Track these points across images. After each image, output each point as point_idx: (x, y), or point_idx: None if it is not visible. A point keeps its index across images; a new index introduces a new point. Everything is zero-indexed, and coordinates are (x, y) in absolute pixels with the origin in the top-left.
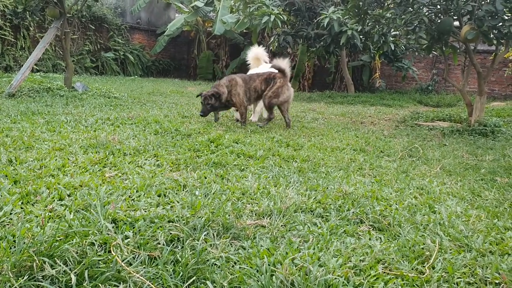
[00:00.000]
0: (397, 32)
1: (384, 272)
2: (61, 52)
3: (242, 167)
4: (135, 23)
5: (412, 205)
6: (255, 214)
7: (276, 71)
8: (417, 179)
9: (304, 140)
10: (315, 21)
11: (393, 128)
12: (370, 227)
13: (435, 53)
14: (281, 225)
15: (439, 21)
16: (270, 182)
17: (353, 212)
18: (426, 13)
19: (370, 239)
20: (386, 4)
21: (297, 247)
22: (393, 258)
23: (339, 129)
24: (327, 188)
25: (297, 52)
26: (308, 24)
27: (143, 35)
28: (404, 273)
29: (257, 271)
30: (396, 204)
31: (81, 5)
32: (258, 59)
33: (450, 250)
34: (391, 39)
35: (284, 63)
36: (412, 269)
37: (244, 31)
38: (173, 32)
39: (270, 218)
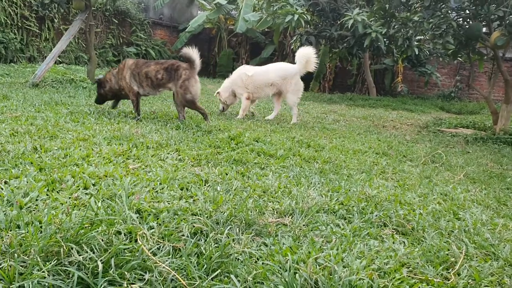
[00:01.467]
0: (422, 37)
1: (409, 276)
2: (84, 45)
3: (263, 166)
4: (158, 18)
5: (436, 210)
6: (277, 212)
7: (182, 62)
8: (440, 185)
9: (325, 141)
10: (339, 22)
11: (415, 133)
12: (393, 230)
13: (460, 59)
14: (303, 225)
15: (467, 26)
16: (291, 182)
17: (376, 215)
18: (455, 18)
19: (393, 242)
20: (413, 7)
21: (320, 247)
22: (417, 263)
23: (361, 132)
24: (350, 190)
25: (319, 53)
26: (331, 25)
27: (165, 31)
28: (429, 278)
29: (280, 268)
30: (420, 209)
31: None
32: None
33: (476, 257)
34: (416, 43)
35: (194, 53)
36: (437, 274)
37: (266, 30)
38: (194, 28)
39: (292, 217)
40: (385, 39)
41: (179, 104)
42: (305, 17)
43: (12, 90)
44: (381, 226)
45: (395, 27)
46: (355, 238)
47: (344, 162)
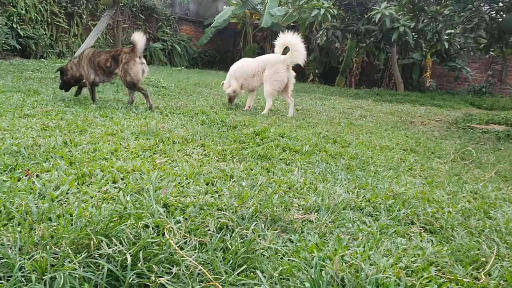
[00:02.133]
0: (453, 30)
1: (437, 275)
2: (111, 40)
3: (288, 161)
4: (184, 14)
5: (466, 209)
6: (303, 209)
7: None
8: (470, 183)
9: (351, 137)
10: (366, 16)
11: (444, 129)
12: (421, 228)
13: (493, 53)
14: (330, 222)
15: (501, 19)
16: (317, 178)
17: (403, 213)
18: (487, 11)
19: (421, 240)
20: (443, 0)
21: (346, 244)
22: (446, 262)
23: (388, 128)
24: (377, 187)
25: (346, 48)
26: (358, 19)
27: (191, 26)
28: (459, 278)
29: (306, 265)
30: (449, 207)
31: None
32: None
33: (508, 258)
34: (446, 37)
35: (139, 36)
36: (467, 274)
37: (292, 24)
38: (220, 24)
39: (318, 214)
40: (413, 33)
41: (127, 86)
42: (332, 11)
43: (42, 85)
44: (409, 224)
45: (424, 21)
46: (382, 235)
47: (371, 158)
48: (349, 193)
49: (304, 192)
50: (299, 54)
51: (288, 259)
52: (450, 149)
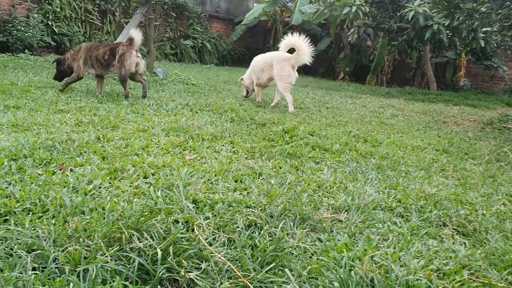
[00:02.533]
0: (489, 28)
1: (470, 279)
2: (143, 38)
3: (317, 160)
4: (214, 11)
5: (501, 212)
6: (332, 208)
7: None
8: (506, 185)
9: (382, 136)
10: (399, 14)
11: (478, 130)
12: (453, 231)
13: None
14: (359, 221)
15: None
16: (347, 177)
17: (435, 214)
18: None
19: (453, 243)
20: None
21: (376, 244)
22: (480, 265)
23: (420, 128)
24: (408, 187)
25: (377, 46)
26: (390, 17)
27: (221, 24)
28: (493, 282)
29: (335, 264)
30: (483, 210)
31: None
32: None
33: None
34: (482, 35)
35: (136, 32)
36: (502, 279)
37: (322, 22)
38: (250, 21)
39: (347, 213)
40: (447, 31)
41: (120, 79)
42: (363, 9)
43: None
44: (441, 225)
45: (460, 18)
46: (412, 237)
47: (402, 158)
48: (379, 193)
49: (334, 191)
50: (304, 55)
51: (317, 258)
52: (484, 150)
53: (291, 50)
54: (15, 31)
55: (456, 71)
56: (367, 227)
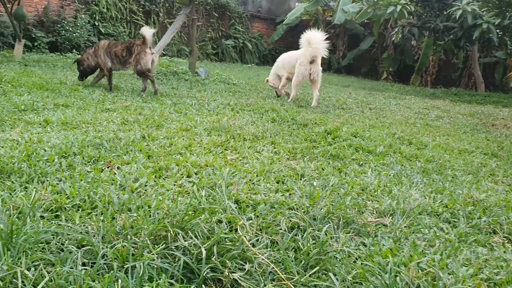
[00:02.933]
0: None
1: None
2: (185, 38)
3: (361, 162)
4: (256, 11)
5: None
6: (376, 212)
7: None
8: None
9: (428, 139)
10: (445, 12)
11: None
12: (504, 238)
13: None
14: (405, 226)
15: None
16: (391, 180)
17: (484, 221)
18: None
19: (505, 252)
20: None
21: (422, 250)
22: None
23: (467, 130)
24: (454, 192)
25: (422, 45)
26: (437, 16)
27: (263, 24)
28: None
29: (380, 270)
30: None
31: None
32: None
33: None
34: None
35: (147, 30)
36: None
37: (365, 21)
38: (292, 21)
39: (392, 218)
40: (498, 30)
41: (138, 74)
42: (409, 8)
43: (121, 81)
44: (490, 233)
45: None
46: (460, 244)
47: (448, 162)
48: (425, 198)
49: (378, 194)
50: (316, 47)
51: (361, 263)
52: None
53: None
54: (63, 31)
55: (506, 71)
56: (413, 232)
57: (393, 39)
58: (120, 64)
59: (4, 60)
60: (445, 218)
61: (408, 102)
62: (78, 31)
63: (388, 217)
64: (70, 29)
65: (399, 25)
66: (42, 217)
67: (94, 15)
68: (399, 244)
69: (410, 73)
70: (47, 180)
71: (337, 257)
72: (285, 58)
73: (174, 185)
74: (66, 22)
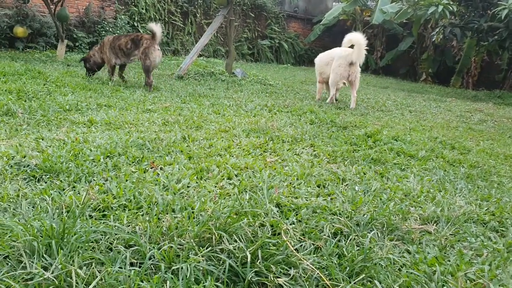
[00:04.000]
0: None
1: None
2: (222, 39)
3: (403, 167)
4: (293, 11)
5: None
6: (420, 219)
7: (150, 34)
8: None
9: (471, 143)
10: (490, 12)
11: None
12: None
13: None
14: (450, 234)
15: None
16: (434, 186)
17: None
18: None
19: None
20: None
21: (469, 260)
22: None
23: None
24: (501, 199)
25: (463, 46)
26: (480, 16)
27: (299, 24)
28: None
29: (427, 278)
30: None
31: None
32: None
33: None
34: None
35: (156, 27)
36: None
37: (404, 21)
38: (329, 21)
39: (437, 225)
40: None
41: (144, 69)
42: (451, 8)
43: (161, 82)
44: None
45: None
46: (510, 254)
47: (493, 168)
48: (470, 205)
49: (421, 200)
50: (360, 51)
51: (407, 271)
52: None
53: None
54: (103, 32)
55: None
56: (459, 241)
57: (433, 39)
58: (124, 57)
59: (48, 60)
60: (492, 227)
61: (449, 105)
62: (118, 31)
63: (433, 224)
64: (110, 29)
65: (440, 26)
66: (90, 216)
67: (133, 16)
68: (444, 253)
69: (451, 75)
70: (94, 180)
71: (381, 265)
72: (320, 57)
73: (215, 186)
74: (106, 23)
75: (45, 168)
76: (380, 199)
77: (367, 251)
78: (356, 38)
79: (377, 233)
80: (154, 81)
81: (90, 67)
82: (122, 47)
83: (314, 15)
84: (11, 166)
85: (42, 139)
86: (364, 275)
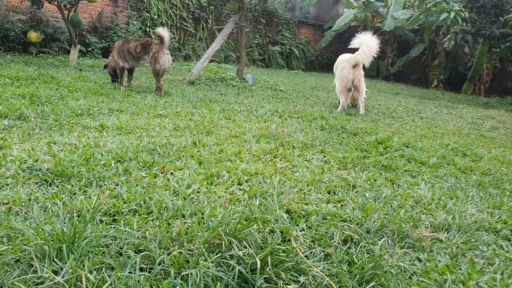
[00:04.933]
0: None
1: None
2: (233, 44)
3: (414, 174)
4: (304, 17)
5: None
6: (431, 226)
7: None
8: None
9: (483, 150)
10: (502, 19)
11: None
12: None
13: None
14: (461, 242)
15: None
16: (445, 194)
17: None
18: None
19: None
20: None
21: (481, 269)
22: None
23: None
24: None
25: (475, 53)
26: (492, 22)
27: (310, 30)
28: None
29: (437, 287)
30: None
31: (258, 0)
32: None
33: None
34: None
35: (164, 32)
36: None
37: (416, 27)
38: (340, 27)
39: (448, 233)
40: None
41: (154, 73)
42: (462, 14)
43: (172, 87)
44: None
45: None
46: None
47: (505, 175)
48: (482, 213)
49: (432, 208)
50: (363, 52)
51: (417, 279)
52: None
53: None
54: (116, 37)
55: None
56: (470, 249)
57: (444, 46)
58: (133, 61)
59: (60, 65)
60: (504, 235)
61: (460, 112)
62: (130, 37)
63: (444, 232)
64: (122, 35)
65: (451, 32)
66: (101, 221)
67: (146, 22)
68: (456, 261)
69: (462, 81)
70: (105, 184)
71: (392, 272)
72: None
73: (226, 192)
74: (118, 28)
75: (57, 172)
76: (391, 206)
77: (378, 258)
78: (365, 38)
79: (388, 241)
80: (165, 86)
81: (109, 72)
82: (131, 51)
83: (325, 21)
84: (23, 170)
85: (54, 144)
86: (374, 282)
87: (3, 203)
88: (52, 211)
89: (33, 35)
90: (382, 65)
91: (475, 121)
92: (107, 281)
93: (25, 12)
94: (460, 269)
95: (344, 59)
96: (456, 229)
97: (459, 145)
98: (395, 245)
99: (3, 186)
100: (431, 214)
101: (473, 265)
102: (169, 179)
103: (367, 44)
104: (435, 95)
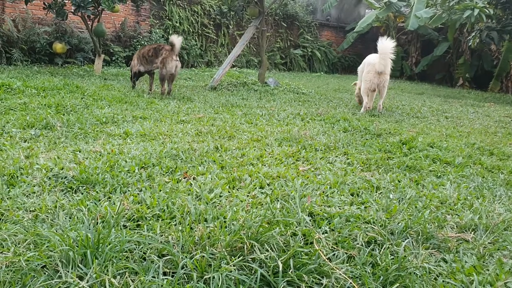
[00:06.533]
0: None
1: None
2: (254, 49)
3: (439, 174)
4: (325, 20)
5: None
6: (457, 227)
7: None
8: None
9: (511, 149)
10: None
11: None
12: None
13: None
14: (488, 242)
15: None
16: (472, 193)
17: None
18: None
19: None
20: None
21: (510, 269)
22: None
23: None
24: None
25: (501, 50)
26: None
27: (332, 32)
28: None
29: None
30: None
31: (279, 4)
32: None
33: None
34: None
35: (176, 39)
36: None
37: (439, 26)
38: (363, 28)
39: (474, 233)
40: None
41: (160, 77)
42: (487, 11)
43: (194, 93)
44: None
45: None
46: None
47: None
48: (510, 212)
49: (458, 208)
50: (379, 63)
51: (443, 281)
52: None
53: None
54: (139, 46)
55: None
56: (498, 249)
57: (469, 44)
58: (147, 64)
59: (85, 74)
60: None
61: (487, 110)
62: None
63: (470, 233)
64: (145, 43)
65: (476, 30)
66: (124, 226)
67: (168, 29)
68: (483, 262)
69: (489, 79)
70: (129, 190)
71: (417, 274)
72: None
73: (248, 196)
74: (141, 37)
75: (82, 179)
76: (415, 207)
77: (402, 260)
78: (380, 44)
79: (412, 242)
80: (188, 92)
81: (132, 77)
82: (145, 54)
83: (347, 23)
84: (50, 178)
85: (79, 151)
86: (398, 284)
87: (30, 211)
88: (77, 217)
89: (58, 46)
90: (406, 65)
91: (502, 119)
92: (130, 286)
93: (50, 24)
94: (488, 270)
95: (370, 61)
96: (483, 229)
97: (486, 144)
98: (419, 246)
99: (30, 194)
100: (457, 215)
101: (501, 266)
102: (191, 184)
103: (381, 51)
104: (461, 94)
